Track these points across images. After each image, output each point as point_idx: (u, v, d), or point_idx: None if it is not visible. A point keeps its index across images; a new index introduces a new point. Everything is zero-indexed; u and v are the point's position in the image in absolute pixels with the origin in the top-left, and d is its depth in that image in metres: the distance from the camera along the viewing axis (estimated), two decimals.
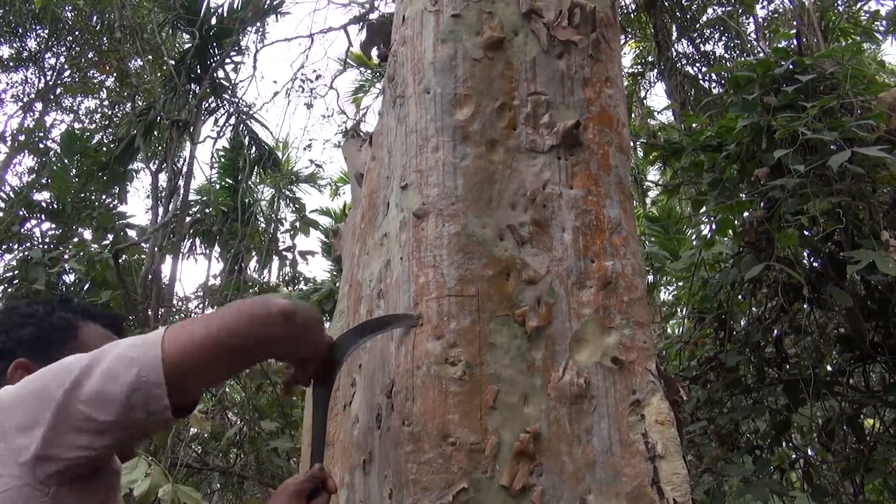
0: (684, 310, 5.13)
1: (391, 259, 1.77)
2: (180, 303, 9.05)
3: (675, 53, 9.40)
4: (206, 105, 11.29)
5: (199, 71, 10.81)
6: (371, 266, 1.90)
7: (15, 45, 12.54)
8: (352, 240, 2.36)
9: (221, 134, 11.38)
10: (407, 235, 1.69)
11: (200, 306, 8.66)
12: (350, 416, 1.82)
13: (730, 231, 3.81)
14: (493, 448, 1.44)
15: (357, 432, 1.75)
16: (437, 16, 1.87)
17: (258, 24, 11.00)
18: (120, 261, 7.70)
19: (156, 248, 9.13)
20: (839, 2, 9.50)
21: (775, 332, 3.84)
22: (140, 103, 11.08)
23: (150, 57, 10.75)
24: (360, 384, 1.81)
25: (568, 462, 1.46)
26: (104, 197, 10.66)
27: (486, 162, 1.71)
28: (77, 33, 11.96)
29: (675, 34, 9.65)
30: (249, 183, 12.04)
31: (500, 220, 1.66)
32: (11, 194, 10.34)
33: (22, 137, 11.30)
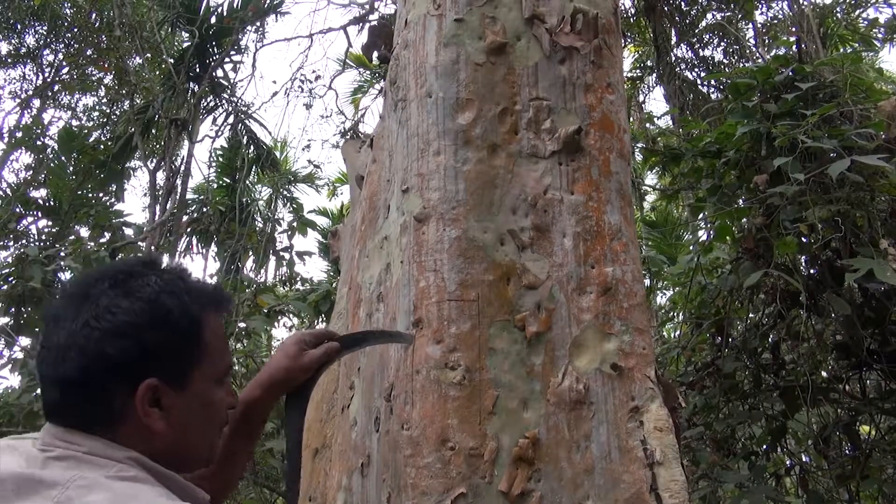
0: (681, 315, 5.14)
1: (391, 262, 1.77)
2: None
3: (674, 58, 9.42)
4: (205, 104, 11.29)
5: (198, 70, 10.80)
6: (371, 269, 1.90)
7: (13, 41, 12.52)
8: (351, 241, 2.36)
9: (220, 133, 11.38)
10: (408, 239, 1.68)
11: None
12: (348, 418, 1.81)
13: (728, 237, 3.81)
14: (492, 453, 1.44)
15: (355, 435, 1.74)
16: (439, 20, 1.87)
17: (258, 24, 11.00)
18: (117, 259, 7.68)
19: (153, 247, 9.10)
20: (838, 9, 9.54)
21: (772, 338, 3.85)
22: (138, 101, 11.07)
23: (148, 55, 10.75)
24: (358, 387, 1.81)
25: (566, 468, 1.46)
26: (101, 195, 10.65)
27: (488, 166, 1.71)
28: (76, 30, 11.95)
29: (674, 39, 9.67)
30: (247, 182, 12.03)
31: (500, 225, 1.66)
32: (8, 191, 10.32)
33: (19, 134, 11.27)
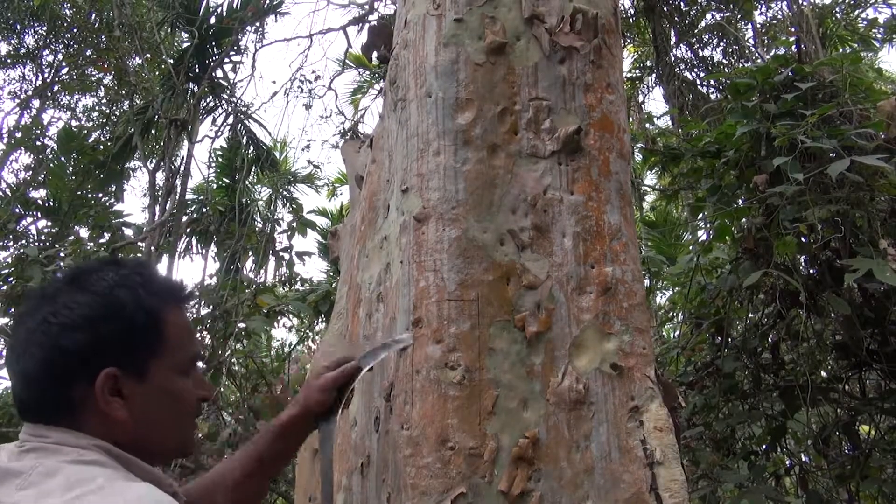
0: (680, 315, 5.14)
1: (391, 262, 1.77)
2: None
3: (673, 58, 9.41)
4: (205, 104, 11.28)
5: (197, 70, 10.80)
6: (371, 269, 1.90)
7: (13, 41, 12.51)
8: (351, 241, 2.36)
9: (219, 133, 11.37)
10: (407, 239, 1.69)
11: (196, 306, 8.64)
12: (348, 418, 1.81)
13: (727, 237, 3.81)
14: (492, 453, 1.44)
15: (355, 435, 1.74)
16: (439, 20, 1.87)
17: (257, 24, 10.99)
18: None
19: (152, 248, 9.10)
20: (837, 9, 9.54)
21: (772, 338, 3.85)
22: (138, 102, 11.07)
23: (148, 55, 10.74)
24: (358, 387, 1.81)
25: (566, 467, 1.46)
26: (101, 195, 10.64)
27: (488, 166, 1.71)
28: (75, 31, 11.94)
29: (673, 39, 9.67)
30: (247, 183, 12.03)
31: (500, 225, 1.66)
32: (8, 191, 10.31)
33: (19, 134, 11.26)
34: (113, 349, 1.06)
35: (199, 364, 1.25)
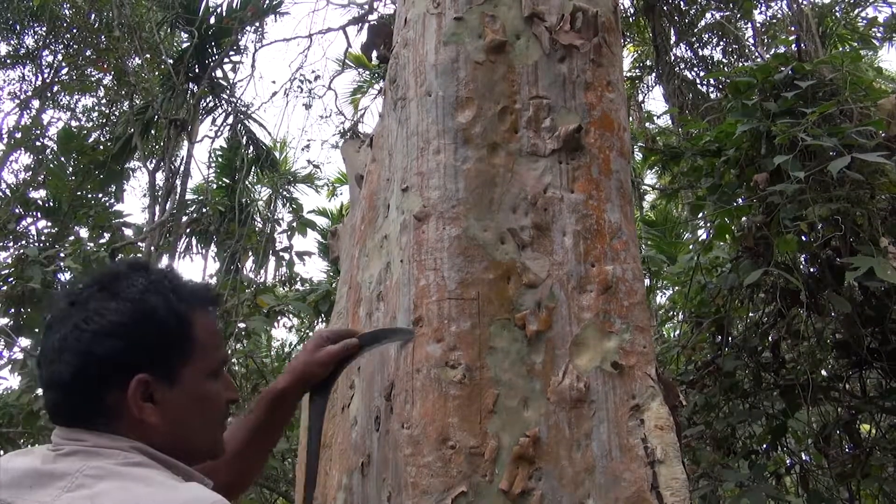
0: (680, 314, 5.13)
1: (391, 261, 1.76)
2: None
3: (673, 57, 9.41)
4: (204, 104, 11.28)
5: (197, 70, 10.80)
6: (371, 268, 1.90)
7: (12, 42, 12.51)
8: (351, 241, 2.36)
9: (219, 133, 11.37)
10: (407, 238, 1.68)
11: None
12: (348, 418, 1.81)
13: (727, 236, 3.81)
14: (493, 452, 1.44)
15: (355, 434, 1.74)
16: (439, 18, 1.87)
17: (257, 24, 10.99)
18: (116, 259, 7.67)
19: (152, 248, 9.10)
20: (836, 8, 9.54)
21: (772, 337, 3.84)
22: (138, 102, 11.06)
23: (148, 56, 10.73)
24: (358, 386, 1.81)
25: (567, 466, 1.45)
26: (101, 195, 10.64)
27: (488, 165, 1.70)
28: (75, 31, 11.93)
29: (673, 38, 9.66)
30: (247, 183, 12.03)
31: (500, 224, 1.65)
32: (8, 192, 10.31)
33: (19, 135, 11.26)
34: (145, 355, 1.06)
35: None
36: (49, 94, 12.87)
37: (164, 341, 1.09)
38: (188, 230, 11.24)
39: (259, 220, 11.68)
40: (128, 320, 1.06)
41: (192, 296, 1.16)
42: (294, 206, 12.78)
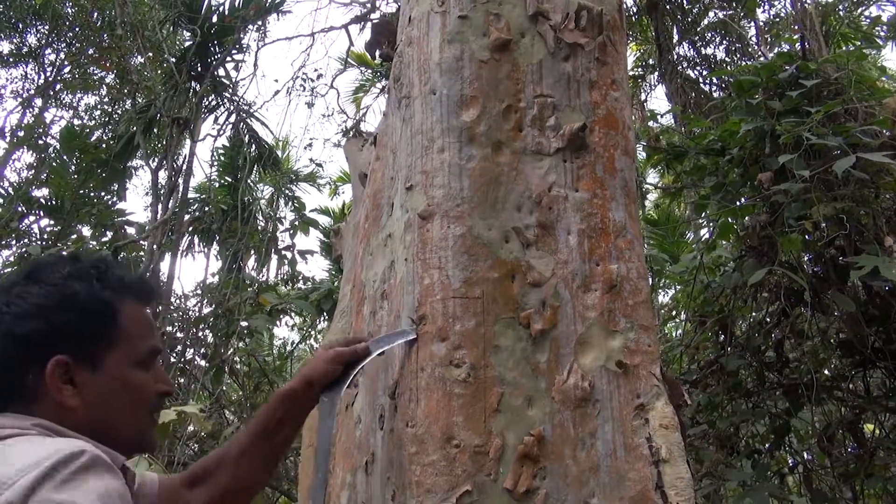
0: (683, 313, 5.13)
1: (395, 260, 1.76)
2: (178, 301, 9.03)
3: (676, 56, 9.40)
4: (207, 103, 11.29)
5: (199, 69, 10.81)
6: (375, 266, 1.90)
7: (15, 40, 12.52)
8: (354, 239, 2.36)
9: (221, 132, 11.38)
10: (412, 236, 1.68)
11: (199, 304, 8.65)
12: (352, 416, 1.81)
13: (730, 235, 3.80)
14: (497, 451, 1.44)
15: (359, 433, 1.74)
16: (443, 17, 1.87)
17: (259, 23, 10.99)
18: (119, 258, 7.69)
19: (155, 246, 9.11)
20: (840, 7, 9.51)
21: (776, 336, 3.84)
22: (140, 100, 11.08)
23: (150, 54, 10.74)
24: (362, 384, 1.81)
25: (572, 465, 1.45)
26: (103, 194, 10.65)
27: (492, 164, 1.70)
28: (77, 30, 11.94)
29: (676, 37, 9.65)
30: (249, 181, 12.03)
31: (505, 222, 1.65)
32: (10, 190, 10.32)
33: (21, 133, 11.27)
34: (65, 337, 1.07)
35: (160, 358, 1.26)
36: (52, 93, 12.88)
37: (86, 325, 1.10)
38: (190, 228, 11.26)
39: (261, 218, 11.70)
40: (48, 302, 1.08)
41: (119, 285, 1.17)
42: (296, 205, 12.79)
